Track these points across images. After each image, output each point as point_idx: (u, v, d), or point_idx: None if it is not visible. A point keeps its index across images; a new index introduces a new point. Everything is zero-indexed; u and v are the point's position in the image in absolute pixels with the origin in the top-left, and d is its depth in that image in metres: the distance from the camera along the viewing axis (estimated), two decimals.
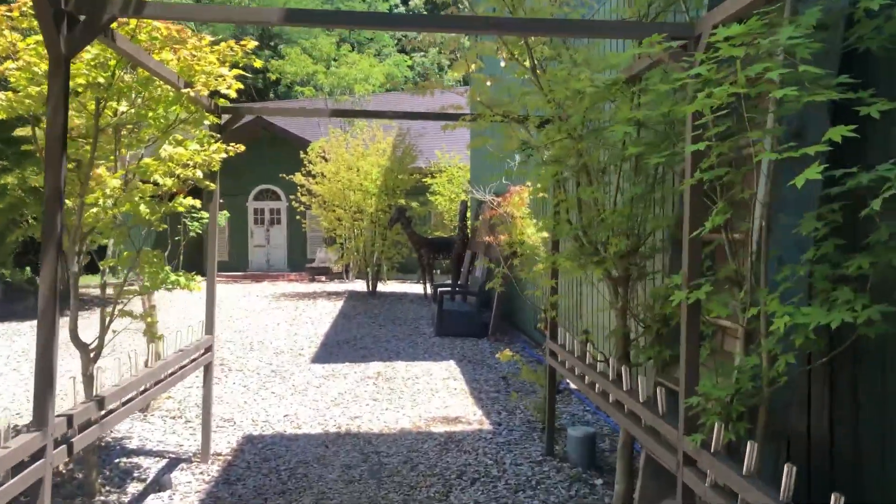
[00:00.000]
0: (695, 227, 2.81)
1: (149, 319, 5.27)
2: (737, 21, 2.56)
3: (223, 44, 4.74)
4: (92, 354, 4.58)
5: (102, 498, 4.53)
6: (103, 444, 5.54)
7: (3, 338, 10.45)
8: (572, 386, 6.64)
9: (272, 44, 36.43)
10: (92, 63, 4.01)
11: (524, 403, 6.77)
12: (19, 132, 4.73)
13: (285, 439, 5.82)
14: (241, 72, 4.78)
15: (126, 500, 4.55)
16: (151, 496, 4.62)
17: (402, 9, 41.63)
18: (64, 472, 4.83)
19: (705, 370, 2.98)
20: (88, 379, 4.45)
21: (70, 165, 4.52)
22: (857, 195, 2.39)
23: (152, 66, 3.84)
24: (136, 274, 4.80)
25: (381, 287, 17.69)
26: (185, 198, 4.42)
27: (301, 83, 28.29)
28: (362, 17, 2.97)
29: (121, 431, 5.89)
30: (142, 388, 3.90)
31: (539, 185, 4.89)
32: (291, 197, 18.31)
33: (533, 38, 4.34)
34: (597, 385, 4.09)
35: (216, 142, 4.73)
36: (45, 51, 2.94)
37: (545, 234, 6.33)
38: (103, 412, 3.34)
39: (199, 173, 4.49)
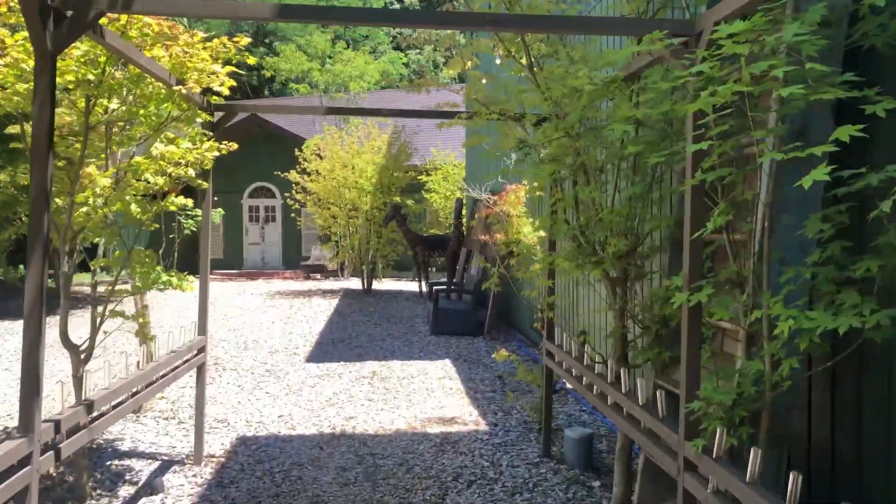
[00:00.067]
0: (696, 227, 2.76)
1: (140, 320, 5.19)
2: (739, 18, 2.51)
3: (216, 40, 4.67)
4: (83, 355, 4.51)
5: (93, 502, 4.47)
6: (95, 446, 5.46)
7: None
8: (568, 385, 6.60)
9: (267, 41, 36.28)
10: (82, 60, 3.94)
11: (520, 403, 6.72)
12: (10, 130, 4.66)
13: (279, 440, 5.76)
14: (235, 69, 4.72)
15: None
16: (143, 500, 4.55)
17: (397, 6, 41.50)
18: (54, 475, 4.76)
19: (705, 373, 2.93)
20: (79, 381, 4.39)
21: (60, 164, 4.45)
22: (864, 196, 2.34)
23: (143, 62, 3.77)
24: (128, 274, 4.73)
25: (376, 285, 17.63)
26: (176, 196, 4.35)
27: (296, 80, 28.18)
28: (357, 14, 2.92)
29: (113, 433, 5.81)
30: (133, 391, 3.83)
31: (536, 184, 4.84)
32: (286, 194, 18.23)
33: (530, 34, 4.28)
34: (595, 387, 4.04)
35: (209, 140, 4.65)
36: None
37: (542, 234, 6.27)
38: (92, 416, 3.28)
39: (192, 172, 4.42)
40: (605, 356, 4.43)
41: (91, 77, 3.90)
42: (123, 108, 4.31)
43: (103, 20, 3.89)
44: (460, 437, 5.82)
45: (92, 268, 4.48)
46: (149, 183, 4.20)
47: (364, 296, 15.78)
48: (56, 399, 6.27)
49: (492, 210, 8.23)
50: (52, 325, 8.08)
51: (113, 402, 3.54)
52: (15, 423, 6.08)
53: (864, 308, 2.04)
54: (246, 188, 21.95)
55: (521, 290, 9.36)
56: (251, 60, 4.96)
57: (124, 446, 5.54)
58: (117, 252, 4.61)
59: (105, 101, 4.23)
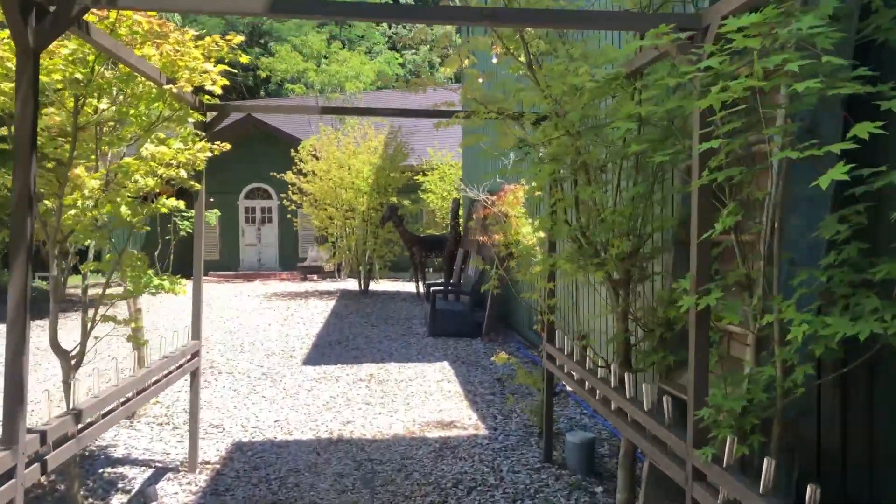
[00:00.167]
0: (703, 228, 2.67)
1: (132, 324, 5.08)
2: (748, 11, 2.42)
3: (208, 38, 4.57)
4: (73, 361, 4.41)
5: None
6: (87, 453, 5.36)
7: None
8: (568, 388, 6.51)
9: (262, 41, 36.18)
10: (70, 59, 3.84)
11: (520, 407, 6.63)
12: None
13: (276, 446, 5.66)
14: (227, 67, 4.62)
15: None
16: None
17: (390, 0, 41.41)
18: (45, 483, 4.66)
19: (713, 378, 2.84)
20: (69, 387, 4.28)
21: (50, 165, 4.35)
22: (880, 196, 2.25)
23: (132, 61, 3.67)
24: (120, 277, 4.62)
25: (373, 286, 17.52)
26: (168, 198, 4.25)
27: (291, 81, 28.10)
28: (352, 9, 2.83)
29: (106, 439, 5.71)
30: (123, 399, 3.73)
31: (535, 184, 4.74)
32: (283, 195, 18.14)
33: (530, 30, 4.19)
34: (597, 391, 3.94)
35: (201, 140, 4.55)
36: None
37: (541, 235, 6.18)
38: (81, 426, 3.17)
39: (184, 173, 4.31)
40: (607, 360, 4.34)
41: (79, 76, 3.79)
42: (113, 108, 4.20)
43: (92, 17, 3.80)
44: (459, 441, 5.73)
45: (82, 271, 4.37)
46: (138, 184, 4.09)
47: (361, 297, 15.68)
48: (47, 406, 6.16)
49: (490, 210, 8.13)
50: (46, 329, 7.96)
51: (102, 411, 3.43)
52: None
53: (885, 313, 1.95)
54: (242, 189, 21.84)
55: (520, 291, 9.27)
56: (244, 59, 4.86)
57: (117, 453, 5.43)
58: (108, 255, 4.51)
59: (94, 101, 4.12)
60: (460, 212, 14.99)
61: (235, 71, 5.16)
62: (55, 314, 4.29)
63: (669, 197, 4.40)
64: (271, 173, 18.99)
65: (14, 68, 3.65)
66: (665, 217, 3.98)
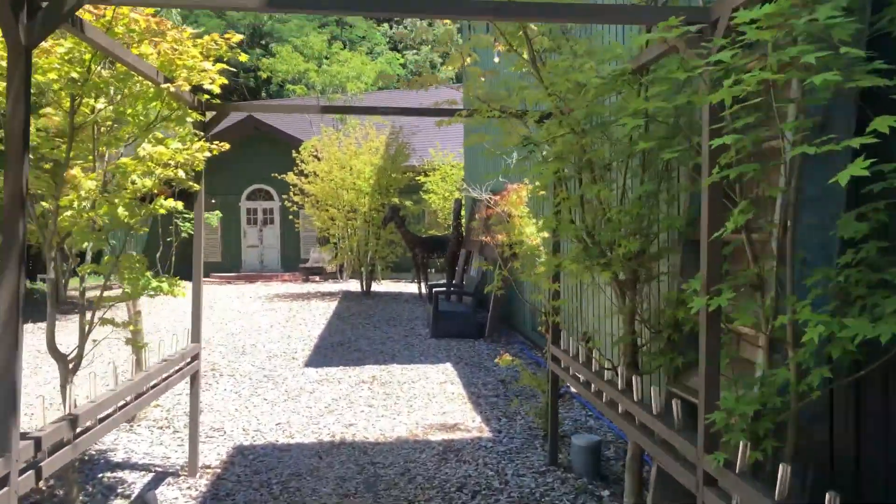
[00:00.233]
0: (714, 227, 2.59)
1: (131, 327, 5.02)
2: (759, 3, 2.34)
3: (206, 37, 4.51)
4: (71, 365, 4.35)
5: None
6: (86, 457, 5.30)
7: None
8: (573, 390, 6.43)
9: (263, 42, 36.14)
10: (65, 57, 3.78)
11: (525, 409, 6.55)
12: None
13: (277, 450, 5.59)
14: (226, 66, 4.55)
15: None
16: None
17: None
18: (44, 489, 4.60)
19: (724, 381, 2.76)
20: (70, 390, 4.22)
21: (47, 166, 4.29)
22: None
23: (129, 59, 3.60)
24: (117, 279, 4.56)
25: (375, 287, 17.46)
26: (166, 199, 4.18)
27: (293, 81, 28.02)
28: (351, 2, 2.76)
29: (105, 443, 5.64)
30: (121, 404, 3.66)
31: (539, 183, 4.67)
32: (284, 196, 18.07)
33: (534, 27, 4.12)
34: (604, 394, 3.87)
35: (200, 140, 4.49)
36: None
37: (545, 235, 6.11)
38: (77, 431, 3.11)
39: (182, 173, 4.24)
40: (613, 362, 4.27)
41: (75, 75, 3.73)
42: (110, 107, 4.14)
43: (88, 16, 3.74)
44: (463, 444, 5.66)
45: (79, 273, 4.31)
46: (135, 185, 4.03)
47: (363, 298, 15.61)
48: (50, 407, 6.09)
49: (493, 210, 8.06)
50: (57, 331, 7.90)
51: (99, 416, 3.36)
52: None
53: None
54: (244, 191, 21.80)
55: (524, 292, 9.20)
56: (243, 58, 4.80)
57: (117, 457, 5.37)
58: (107, 257, 4.44)
59: (91, 101, 4.06)
60: (462, 212, 14.92)
61: (235, 70, 5.10)
62: (52, 317, 4.23)
63: (676, 195, 4.33)
64: (273, 174, 18.93)
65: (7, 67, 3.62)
66: (672, 216, 3.90)
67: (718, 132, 2.50)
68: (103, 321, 4.54)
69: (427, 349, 9.76)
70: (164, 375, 4.35)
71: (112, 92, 4.14)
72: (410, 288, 17.44)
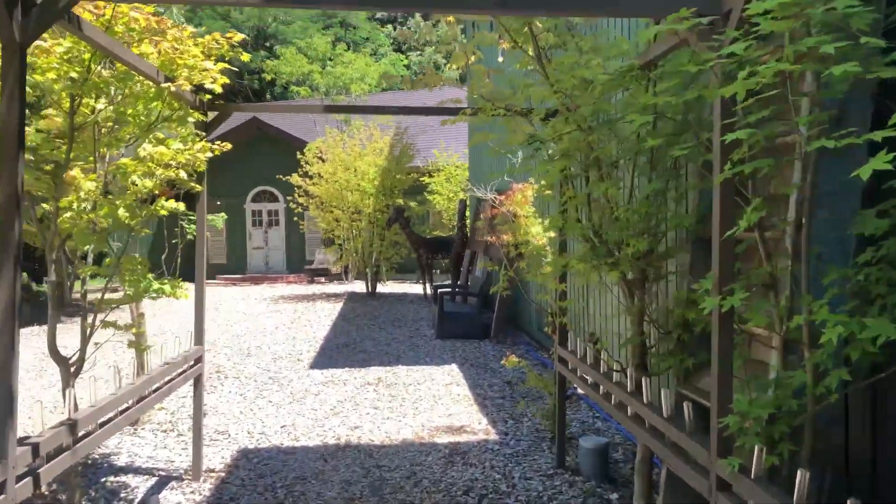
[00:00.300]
0: (726, 225, 2.52)
1: (134, 330, 4.97)
2: None
3: (207, 36, 4.46)
4: (72, 368, 4.30)
5: None
6: (89, 461, 5.25)
7: None
8: (580, 391, 6.36)
9: (267, 44, 36.17)
10: (65, 57, 3.73)
11: (531, 411, 6.48)
12: None
13: (282, 453, 5.53)
14: (228, 66, 4.50)
15: None
16: None
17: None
18: (46, 493, 4.55)
19: (736, 382, 2.69)
20: (69, 395, 4.17)
21: (48, 168, 4.24)
22: None
23: (128, 58, 3.56)
24: (118, 281, 4.51)
25: (380, 288, 17.41)
26: (167, 200, 4.13)
27: (297, 83, 28.01)
28: None
29: (109, 447, 5.60)
30: (122, 408, 3.61)
31: (544, 182, 4.61)
32: (289, 198, 18.03)
33: (539, 23, 4.06)
34: (613, 396, 3.80)
35: (201, 140, 4.43)
36: None
37: (551, 234, 6.04)
38: (77, 436, 3.05)
39: (183, 174, 4.19)
40: (622, 363, 4.20)
41: (74, 75, 3.68)
42: (111, 107, 4.09)
43: (88, 15, 3.70)
44: (470, 447, 5.59)
45: (80, 276, 4.27)
46: (136, 186, 3.98)
47: (368, 299, 15.56)
48: (53, 410, 6.05)
49: (498, 210, 7.99)
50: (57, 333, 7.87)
51: (100, 420, 3.31)
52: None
53: None
54: (249, 192, 21.78)
55: (529, 292, 9.13)
56: (245, 57, 4.75)
57: (120, 461, 5.32)
58: (108, 259, 4.39)
59: (91, 101, 4.01)
60: (467, 213, 14.86)
61: (238, 70, 5.06)
62: (54, 320, 4.18)
63: (684, 193, 4.25)
64: (278, 176, 18.90)
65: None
66: (681, 214, 3.83)
67: (730, 127, 2.43)
68: (105, 324, 4.49)
69: (432, 350, 9.69)
70: (167, 378, 4.30)
71: (113, 92, 4.09)
72: (415, 289, 17.38)
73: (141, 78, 4.05)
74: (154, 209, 4.09)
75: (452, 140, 20.76)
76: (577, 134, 3.83)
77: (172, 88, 3.94)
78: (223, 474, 5.05)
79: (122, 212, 3.88)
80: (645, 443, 3.52)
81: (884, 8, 2.64)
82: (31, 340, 10.31)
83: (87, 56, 3.79)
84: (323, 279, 20.17)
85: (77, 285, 4.51)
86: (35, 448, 2.67)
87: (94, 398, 3.37)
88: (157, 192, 4.16)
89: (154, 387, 4.08)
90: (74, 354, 4.31)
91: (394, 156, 16.62)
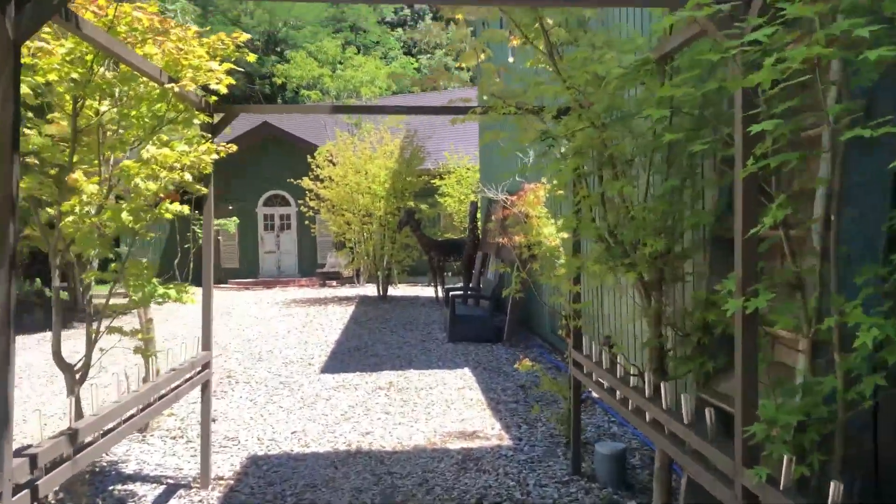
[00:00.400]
0: (749, 223, 2.40)
1: (140, 336, 4.90)
2: None
3: (213, 36, 4.39)
4: (78, 375, 4.24)
5: None
6: (97, 469, 5.18)
7: None
8: (594, 395, 6.23)
9: (278, 49, 36.26)
10: (66, 58, 3.67)
11: (545, 415, 6.36)
12: None
13: (292, 459, 5.44)
14: (233, 66, 4.42)
15: None
16: None
17: (407, 12, 41.44)
18: (53, 501, 4.48)
19: (761, 388, 2.57)
20: (75, 401, 4.10)
21: (53, 171, 4.18)
22: None
23: (130, 58, 3.48)
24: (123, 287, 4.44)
25: (392, 291, 17.34)
26: (171, 203, 4.05)
27: (307, 87, 28.05)
28: None
29: (117, 454, 5.53)
30: (127, 416, 3.53)
31: (557, 182, 4.49)
32: (300, 202, 17.99)
33: (549, 19, 3.95)
34: (630, 401, 3.68)
35: (207, 142, 4.36)
36: None
37: (565, 235, 5.92)
38: (78, 446, 2.97)
39: (188, 176, 4.11)
40: (639, 367, 4.07)
41: (76, 76, 3.61)
42: (114, 109, 4.03)
43: (90, 15, 3.63)
44: (483, 453, 5.47)
45: (84, 281, 4.20)
46: (139, 188, 3.90)
47: (380, 302, 15.48)
48: (63, 417, 6.00)
49: (509, 211, 7.88)
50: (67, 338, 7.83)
51: (102, 429, 3.23)
52: (15, 445, 5.81)
53: None
54: (260, 197, 21.79)
55: (542, 294, 9.00)
56: (251, 58, 4.68)
57: (129, 469, 5.25)
58: (113, 264, 4.33)
59: (94, 103, 3.95)
60: (478, 215, 14.76)
61: (245, 71, 4.99)
62: (58, 325, 4.12)
63: (702, 191, 4.13)
64: (289, 180, 18.87)
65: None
66: (699, 212, 3.70)
67: (753, 119, 2.31)
68: (111, 329, 4.42)
69: (444, 354, 9.59)
70: (173, 385, 4.22)
71: (117, 93, 4.02)
72: (427, 292, 17.28)
73: (145, 79, 3.99)
74: (158, 212, 4.02)
75: (463, 142, 20.66)
76: (590, 131, 3.72)
77: (176, 89, 3.87)
78: (232, 482, 4.97)
79: (125, 215, 3.80)
80: (664, 449, 3.40)
81: None
82: (44, 346, 10.29)
83: (89, 57, 3.72)
84: (334, 282, 20.12)
85: (93, 289, 4.45)
86: (33, 459, 2.58)
87: (96, 406, 3.29)
88: (162, 195, 4.08)
89: (160, 394, 4.00)
90: (80, 361, 4.25)
91: (404, 158, 16.55)
